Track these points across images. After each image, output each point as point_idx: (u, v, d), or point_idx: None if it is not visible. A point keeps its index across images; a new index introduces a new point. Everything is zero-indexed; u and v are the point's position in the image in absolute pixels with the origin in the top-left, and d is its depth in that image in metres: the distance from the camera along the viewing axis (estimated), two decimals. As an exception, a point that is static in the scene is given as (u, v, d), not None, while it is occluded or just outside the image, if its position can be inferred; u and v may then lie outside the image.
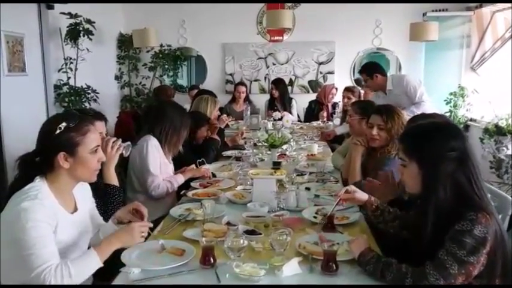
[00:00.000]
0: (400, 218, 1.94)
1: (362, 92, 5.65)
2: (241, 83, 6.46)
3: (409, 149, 1.67)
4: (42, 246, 1.53)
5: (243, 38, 6.90)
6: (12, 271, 1.59)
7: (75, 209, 1.80)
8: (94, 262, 1.62)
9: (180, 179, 2.94)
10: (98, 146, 1.77)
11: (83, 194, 1.89)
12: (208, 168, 3.12)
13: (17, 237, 1.53)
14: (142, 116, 3.72)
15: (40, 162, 1.69)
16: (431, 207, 1.56)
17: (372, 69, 4.64)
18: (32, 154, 1.71)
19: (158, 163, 2.83)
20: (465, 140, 1.61)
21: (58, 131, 1.66)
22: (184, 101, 5.88)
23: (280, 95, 6.21)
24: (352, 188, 2.08)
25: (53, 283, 1.50)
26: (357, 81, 6.95)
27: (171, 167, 3.01)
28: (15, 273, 1.58)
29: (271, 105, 6.18)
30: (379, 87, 4.62)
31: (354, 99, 4.93)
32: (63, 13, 4.95)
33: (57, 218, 1.63)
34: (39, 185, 1.65)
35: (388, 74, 4.66)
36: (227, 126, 4.66)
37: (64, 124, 1.67)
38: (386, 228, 1.97)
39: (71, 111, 1.75)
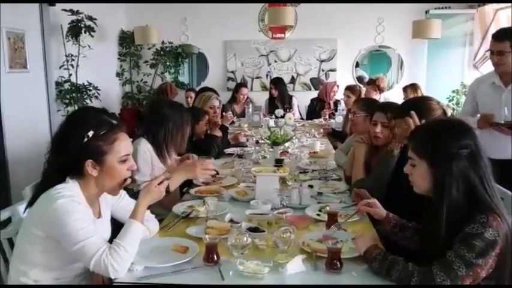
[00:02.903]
0: (418, 232, 1.84)
1: (364, 89, 5.63)
2: (244, 85, 6.45)
3: (418, 147, 1.63)
4: (89, 235, 1.58)
5: (244, 35, 6.88)
6: (65, 268, 1.69)
7: (100, 215, 1.82)
8: (137, 228, 1.69)
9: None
10: (128, 154, 1.75)
11: (107, 199, 1.89)
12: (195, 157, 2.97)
13: (61, 232, 1.57)
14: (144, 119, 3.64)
15: (70, 166, 1.68)
16: (444, 207, 1.51)
17: None
18: (60, 158, 1.68)
19: (148, 169, 2.72)
20: (476, 138, 1.57)
21: (86, 139, 1.65)
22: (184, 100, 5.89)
23: (279, 94, 6.20)
24: (373, 201, 2.01)
25: (115, 266, 1.55)
26: (359, 78, 6.95)
27: (165, 169, 2.87)
28: (70, 268, 1.69)
29: (272, 104, 6.17)
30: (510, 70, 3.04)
31: (353, 98, 4.90)
32: (65, 10, 4.93)
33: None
34: (72, 187, 1.67)
35: None
36: (232, 123, 4.62)
37: (92, 132, 1.65)
38: (409, 245, 1.84)
39: (103, 118, 1.73)
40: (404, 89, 5.55)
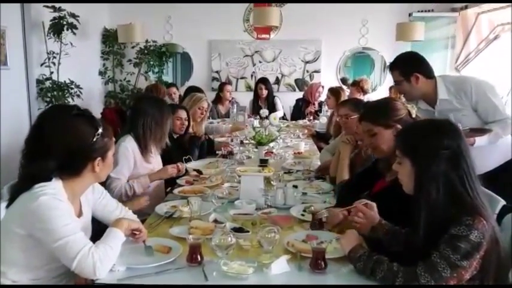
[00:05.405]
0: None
1: (347, 92, 5.66)
2: (228, 83, 6.43)
3: (403, 146, 1.65)
4: (74, 232, 1.56)
5: (229, 35, 6.86)
6: (44, 268, 1.66)
7: (81, 214, 1.79)
8: (120, 235, 1.69)
9: (145, 180, 2.74)
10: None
11: (87, 198, 1.87)
12: (183, 165, 2.95)
13: (44, 228, 1.54)
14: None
15: (63, 167, 1.66)
16: (423, 207, 1.52)
17: (410, 66, 2.83)
18: (58, 162, 1.64)
19: (127, 165, 2.69)
20: (461, 138, 1.57)
21: (96, 138, 1.66)
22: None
23: (269, 94, 6.21)
24: (371, 204, 1.87)
25: (103, 263, 1.54)
26: (342, 80, 6.97)
27: (150, 167, 2.84)
28: (48, 269, 1.66)
29: (256, 105, 6.16)
30: (419, 95, 2.83)
31: (333, 99, 4.95)
32: (47, 6, 4.85)
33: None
34: (55, 185, 1.64)
35: (437, 75, 2.90)
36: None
37: (100, 131, 1.67)
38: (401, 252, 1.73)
39: (91, 115, 1.74)
40: (390, 88, 5.59)
